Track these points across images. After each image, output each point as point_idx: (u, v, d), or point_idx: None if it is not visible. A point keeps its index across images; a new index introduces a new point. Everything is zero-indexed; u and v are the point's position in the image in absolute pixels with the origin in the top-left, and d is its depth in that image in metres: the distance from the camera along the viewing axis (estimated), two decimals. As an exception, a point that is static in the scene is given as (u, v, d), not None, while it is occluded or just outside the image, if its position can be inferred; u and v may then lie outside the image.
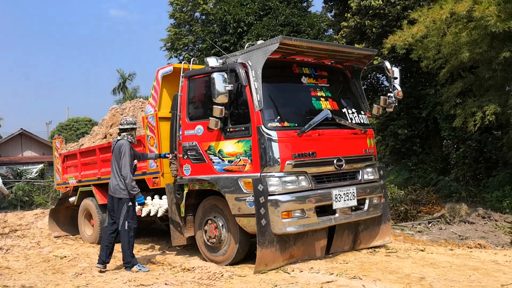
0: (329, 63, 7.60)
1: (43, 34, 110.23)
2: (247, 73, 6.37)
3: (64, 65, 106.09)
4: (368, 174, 7.22)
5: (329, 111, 6.60)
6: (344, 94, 7.49)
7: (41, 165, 27.94)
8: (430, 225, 10.17)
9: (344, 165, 6.78)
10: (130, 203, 6.90)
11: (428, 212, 11.18)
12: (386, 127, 16.91)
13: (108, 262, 7.08)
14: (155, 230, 10.51)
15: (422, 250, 7.35)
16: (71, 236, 10.79)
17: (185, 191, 7.34)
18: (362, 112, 7.47)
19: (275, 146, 6.17)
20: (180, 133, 7.33)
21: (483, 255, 7.03)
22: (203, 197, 7.24)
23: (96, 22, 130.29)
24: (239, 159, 6.45)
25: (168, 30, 23.76)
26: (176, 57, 22.95)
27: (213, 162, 6.75)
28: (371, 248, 7.44)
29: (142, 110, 9.52)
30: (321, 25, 20.56)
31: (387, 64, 7.42)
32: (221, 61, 6.68)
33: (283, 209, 6.13)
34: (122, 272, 6.63)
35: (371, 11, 14.59)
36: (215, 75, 6.23)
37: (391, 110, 7.58)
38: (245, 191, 6.34)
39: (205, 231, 7.06)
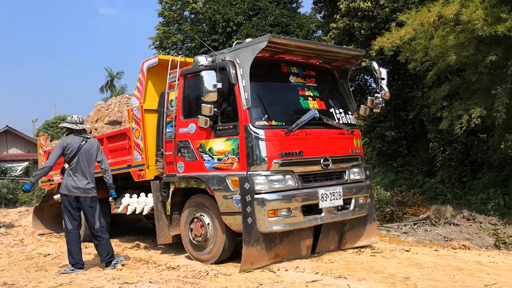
0: (317, 63, 7.61)
1: (30, 31, 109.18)
2: (235, 71, 6.36)
3: (51, 62, 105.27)
4: (354, 174, 7.24)
5: (316, 110, 6.61)
6: (331, 94, 7.51)
7: (26, 163, 27.63)
8: (415, 226, 10.23)
9: (330, 164, 6.79)
10: None
11: (414, 214, 11.26)
12: (373, 129, 16.99)
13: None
14: (140, 229, 10.45)
15: (407, 251, 7.39)
16: (55, 233, 10.68)
17: (171, 189, 7.31)
18: (350, 113, 7.49)
19: (262, 145, 6.16)
20: (167, 130, 7.32)
21: (467, 256, 7.09)
22: (189, 195, 7.21)
23: (84, 20, 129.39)
24: (227, 157, 6.44)
25: (157, 29, 23.68)
26: (164, 55, 22.85)
27: (204, 160, 6.73)
28: (356, 248, 7.47)
29: (128, 106, 9.46)
30: (310, 26, 20.63)
31: (375, 65, 7.45)
32: (210, 59, 6.67)
33: (269, 208, 6.12)
34: (106, 270, 6.57)
35: (360, 13, 14.65)
36: (204, 73, 6.21)
37: (378, 110, 7.61)
38: (232, 189, 6.32)
39: (191, 230, 7.03)
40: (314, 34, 20.83)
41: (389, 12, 14.09)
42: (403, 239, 8.97)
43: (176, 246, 8.06)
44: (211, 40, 20.23)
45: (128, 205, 8.45)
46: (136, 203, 8.31)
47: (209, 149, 6.66)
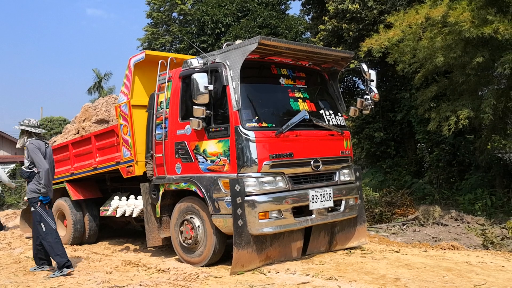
0: (307, 65, 7.63)
1: (16, 31, 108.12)
2: (226, 73, 6.35)
3: (39, 63, 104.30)
4: (344, 175, 7.26)
5: (306, 112, 6.63)
6: (321, 95, 7.54)
7: (13, 165, 27.30)
8: (404, 227, 10.28)
9: (321, 166, 6.81)
10: None
11: (403, 214, 11.31)
12: (361, 130, 17.06)
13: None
14: (130, 231, 10.39)
15: (397, 251, 7.43)
16: (43, 237, 10.55)
17: (161, 192, 7.27)
18: (339, 114, 7.52)
19: (252, 147, 6.15)
20: (156, 132, 7.29)
21: (456, 256, 7.14)
22: (179, 197, 7.18)
23: (71, 21, 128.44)
24: (219, 159, 6.43)
25: (145, 30, 23.60)
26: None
27: (199, 161, 6.71)
28: (347, 249, 7.49)
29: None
30: (298, 28, 20.70)
31: (364, 66, 7.49)
32: (202, 61, 6.65)
33: (260, 210, 6.11)
34: (95, 273, 6.52)
35: (348, 15, 14.70)
36: (195, 75, 6.20)
37: (367, 112, 7.66)
38: (223, 191, 6.31)
39: (181, 232, 7.00)
40: (303, 36, 20.90)
41: (377, 14, 14.16)
42: (392, 239, 9.01)
43: (166, 248, 8.02)
44: (200, 41, 20.21)
45: (117, 207, 8.39)
46: (126, 206, 8.26)
47: (203, 151, 6.64)
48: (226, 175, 6.31)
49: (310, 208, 6.58)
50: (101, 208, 8.93)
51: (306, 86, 7.21)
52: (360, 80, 17.36)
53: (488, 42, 9.23)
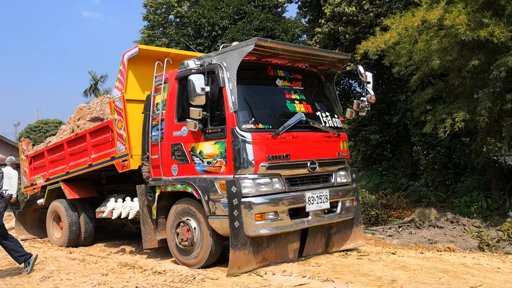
0: (304, 67, 7.64)
1: (12, 34, 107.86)
2: (223, 74, 6.35)
3: (35, 65, 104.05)
4: (341, 177, 7.26)
5: (303, 114, 6.64)
6: (318, 97, 7.54)
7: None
8: (400, 229, 10.29)
9: (317, 168, 6.81)
10: None
11: (399, 217, 11.32)
12: (358, 133, 17.09)
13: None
14: (126, 233, 10.36)
15: (393, 253, 7.42)
16: (38, 239, 10.53)
17: (157, 193, 7.25)
18: (336, 116, 7.52)
19: (249, 148, 6.15)
20: (153, 134, 7.28)
21: (453, 258, 7.15)
22: (176, 199, 7.16)
23: (67, 23, 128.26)
24: (215, 161, 6.42)
25: (142, 32, 23.60)
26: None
27: (195, 163, 6.70)
28: (343, 251, 7.49)
29: (110, 105, 9.46)
30: (295, 31, 20.74)
31: (361, 68, 7.50)
32: (199, 62, 6.65)
33: (256, 211, 6.11)
34: (91, 276, 6.49)
35: (344, 18, 14.74)
36: (191, 77, 6.20)
37: (364, 114, 7.68)
38: (220, 192, 6.30)
39: (177, 234, 6.97)
40: (299, 39, 20.94)
41: (373, 17, 14.20)
42: (389, 242, 9.01)
43: (162, 250, 8.00)
44: (196, 44, 20.22)
45: (113, 209, 8.37)
46: (122, 208, 8.24)
47: (200, 152, 6.63)
48: (223, 176, 6.30)
49: (307, 210, 6.58)
50: (97, 210, 8.90)
51: (302, 88, 7.21)
52: (357, 83, 17.41)
53: (483, 45, 9.26)
